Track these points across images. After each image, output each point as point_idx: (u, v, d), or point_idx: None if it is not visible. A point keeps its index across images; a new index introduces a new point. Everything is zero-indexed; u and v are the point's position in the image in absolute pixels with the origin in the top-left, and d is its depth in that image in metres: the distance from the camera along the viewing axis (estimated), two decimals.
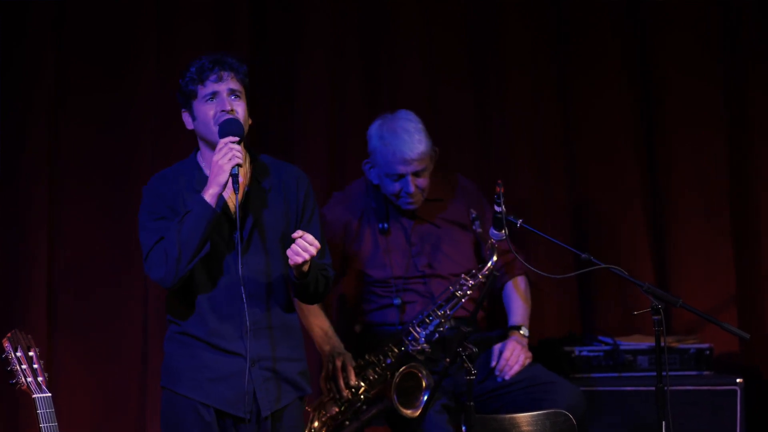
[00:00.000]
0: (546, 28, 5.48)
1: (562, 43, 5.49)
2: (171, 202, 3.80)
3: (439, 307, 4.59)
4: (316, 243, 3.68)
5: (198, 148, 3.88)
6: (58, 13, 5.08)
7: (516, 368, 4.63)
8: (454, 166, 5.27)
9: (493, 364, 4.64)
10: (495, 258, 4.60)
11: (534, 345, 5.00)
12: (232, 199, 3.78)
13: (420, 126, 4.66)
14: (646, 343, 5.00)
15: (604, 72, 5.48)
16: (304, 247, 3.66)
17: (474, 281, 4.59)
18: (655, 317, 3.86)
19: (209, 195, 3.69)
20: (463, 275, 4.62)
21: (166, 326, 3.89)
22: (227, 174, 3.67)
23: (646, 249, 5.43)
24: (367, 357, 4.60)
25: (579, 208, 5.47)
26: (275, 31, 5.33)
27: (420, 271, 4.71)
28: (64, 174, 5.09)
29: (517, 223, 4.25)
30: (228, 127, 3.73)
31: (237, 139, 3.71)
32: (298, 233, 3.67)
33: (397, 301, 4.68)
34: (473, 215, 4.67)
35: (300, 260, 3.66)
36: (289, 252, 3.68)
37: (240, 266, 3.71)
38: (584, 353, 5.01)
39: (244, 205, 3.78)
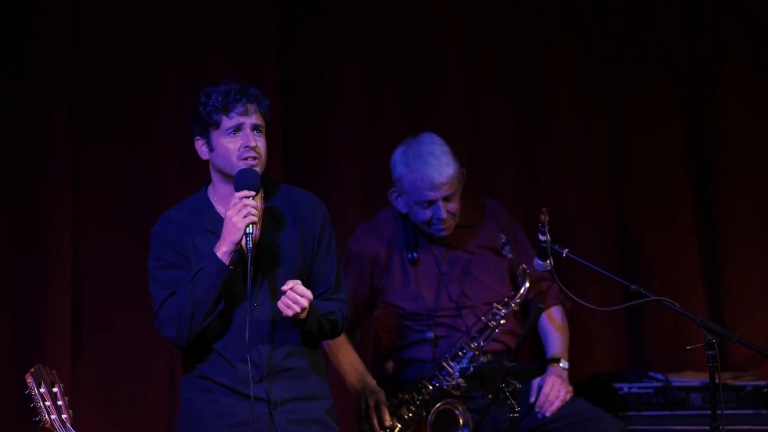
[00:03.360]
0: (592, 47, 5.55)
1: (609, 64, 5.56)
2: (179, 247, 3.84)
3: (472, 339, 4.64)
4: (308, 294, 3.70)
5: (210, 181, 3.91)
6: (73, 28, 5.15)
7: (557, 404, 4.66)
8: (496, 187, 5.35)
9: (533, 399, 4.68)
10: (527, 285, 4.66)
11: (582, 381, 5.05)
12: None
13: (446, 148, 4.72)
14: (699, 379, 5.04)
15: (653, 96, 5.54)
16: (295, 299, 3.69)
17: (507, 310, 4.64)
18: (709, 352, 3.90)
19: (222, 253, 3.72)
20: (495, 304, 4.67)
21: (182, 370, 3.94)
22: (241, 232, 3.70)
23: (699, 280, 5.48)
24: (400, 395, 4.67)
25: (627, 235, 5.52)
26: (304, 45, 5.40)
27: (454, 302, 4.75)
28: (85, 199, 5.14)
29: (562, 253, 4.30)
30: (244, 179, 3.75)
31: (253, 193, 3.74)
32: (288, 285, 3.70)
33: (430, 334, 4.72)
34: (503, 240, 4.71)
35: (291, 313, 3.70)
36: (279, 304, 3.71)
37: (251, 314, 3.75)
38: (634, 390, 5.05)
39: (258, 244, 3.80)
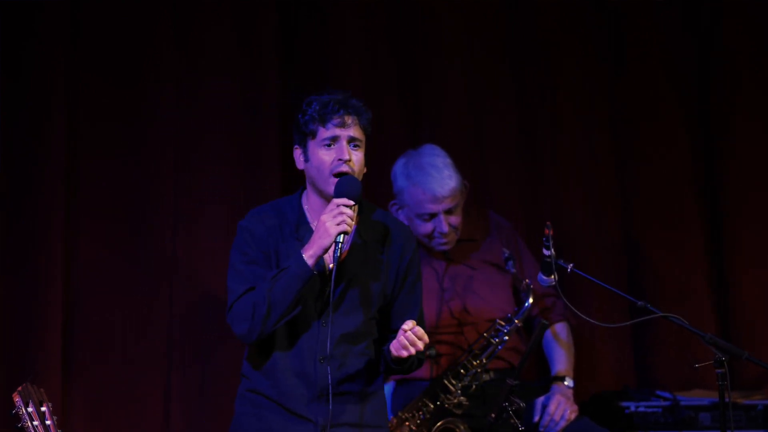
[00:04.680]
0: (593, 47, 5.55)
1: (610, 65, 5.55)
2: (264, 245, 3.83)
3: (475, 357, 4.60)
4: (426, 338, 3.67)
5: (304, 188, 3.90)
6: (73, 28, 5.12)
7: (562, 424, 4.63)
8: (496, 187, 5.33)
9: (537, 418, 4.65)
10: (531, 300, 4.62)
11: (586, 400, 5.02)
12: (331, 255, 3.78)
13: (448, 160, 4.69)
14: (708, 398, 5.01)
15: (660, 108, 5.53)
16: (413, 341, 3.66)
17: (510, 326, 4.60)
18: (719, 370, 3.86)
19: (309, 256, 3.71)
20: (498, 320, 4.63)
21: (239, 380, 3.95)
22: (332, 239, 3.68)
23: (708, 295, 5.45)
24: (400, 413, 4.62)
25: (634, 249, 5.48)
26: (304, 45, 5.39)
27: (455, 318, 4.72)
28: (84, 200, 5.10)
29: (567, 268, 4.23)
30: (345, 187, 3.73)
31: (352, 203, 3.71)
32: (408, 325, 3.67)
33: (432, 351, 4.69)
34: (506, 254, 4.68)
35: (405, 354, 3.68)
36: (395, 344, 3.69)
37: (329, 325, 3.75)
38: (641, 409, 5.01)
39: (342, 260, 3.78)
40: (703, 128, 5.57)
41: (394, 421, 4.62)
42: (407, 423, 4.60)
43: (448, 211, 4.66)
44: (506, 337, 4.60)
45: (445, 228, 4.66)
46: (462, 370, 4.60)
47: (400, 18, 5.45)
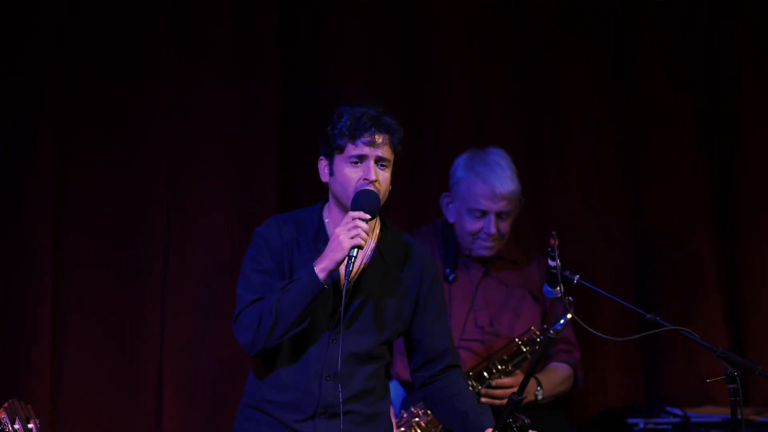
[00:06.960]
0: (592, 47, 5.55)
1: (610, 65, 5.56)
2: (278, 254, 3.74)
3: (501, 362, 4.55)
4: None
5: (326, 201, 3.81)
6: (73, 28, 5.12)
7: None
8: None
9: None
10: (569, 316, 4.47)
11: (594, 415, 4.98)
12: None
13: (513, 165, 4.69)
14: (720, 415, 4.97)
15: (662, 108, 5.53)
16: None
17: (545, 336, 4.52)
18: (731, 386, 3.77)
19: (321, 269, 3.60)
20: (532, 328, 4.57)
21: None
22: (345, 252, 3.58)
23: (719, 307, 5.41)
24: (412, 409, 4.54)
25: (643, 260, 5.46)
26: (304, 45, 5.37)
27: (479, 328, 4.69)
28: (78, 215, 5.08)
29: (573, 280, 4.14)
30: (363, 201, 3.63)
31: (368, 217, 3.62)
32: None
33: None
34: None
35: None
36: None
37: (335, 341, 3.68)
38: (650, 426, 4.97)
39: (359, 277, 3.72)
40: (707, 127, 5.54)
41: (404, 415, 4.54)
42: (416, 419, 4.52)
43: (500, 215, 4.64)
44: (537, 347, 4.54)
45: (493, 230, 4.64)
46: (485, 373, 4.55)
47: (400, 18, 5.43)
